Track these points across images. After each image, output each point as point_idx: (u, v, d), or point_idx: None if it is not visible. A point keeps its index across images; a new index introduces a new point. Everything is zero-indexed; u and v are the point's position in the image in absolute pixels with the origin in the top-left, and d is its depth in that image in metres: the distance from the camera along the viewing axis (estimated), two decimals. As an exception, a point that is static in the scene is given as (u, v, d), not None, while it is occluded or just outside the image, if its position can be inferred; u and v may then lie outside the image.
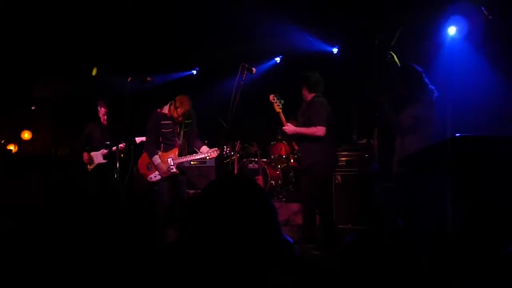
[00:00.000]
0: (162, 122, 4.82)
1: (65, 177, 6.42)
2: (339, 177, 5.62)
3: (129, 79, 4.53)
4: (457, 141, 2.56)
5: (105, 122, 5.74)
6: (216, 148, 4.72)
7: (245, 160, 6.15)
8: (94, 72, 6.08)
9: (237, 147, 5.95)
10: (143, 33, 5.99)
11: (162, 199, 4.85)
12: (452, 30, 5.72)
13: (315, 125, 4.46)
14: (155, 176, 4.83)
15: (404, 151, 3.74)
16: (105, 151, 5.62)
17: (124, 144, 5.53)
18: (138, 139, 5.80)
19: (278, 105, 4.53)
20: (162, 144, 4.86)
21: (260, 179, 5.91)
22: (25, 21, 5.74)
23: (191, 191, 6.12)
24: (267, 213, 1.06)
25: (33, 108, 5.65)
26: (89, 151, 5.69)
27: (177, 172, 4.81)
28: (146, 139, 4.93)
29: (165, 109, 4.89)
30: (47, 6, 5.41)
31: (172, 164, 4.77)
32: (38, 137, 7.71)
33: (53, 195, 6.10)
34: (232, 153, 4.81)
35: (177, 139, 4.85)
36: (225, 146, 4.70)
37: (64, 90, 6.30)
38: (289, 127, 4.49)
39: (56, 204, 5.89)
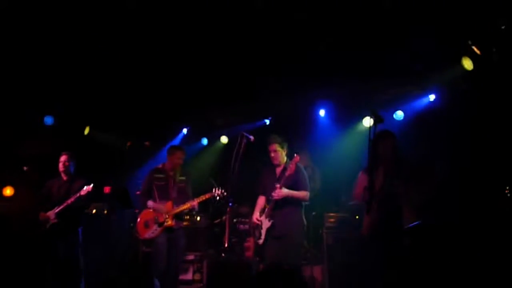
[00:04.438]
0: (155, 175, 5.04)
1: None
2: (331, 239, 5.69)
3: (128, 143, 4.61)
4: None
5: (63, 173, 5.18)
6: (208, 193, 4.87)
7: (235, 220, 6.15)
8: (86, 131, 6.10)
9: (228, 208, 5.97)
10: (138, 96, 6.14)
11: (156, 262, 4.80)
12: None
13: (303, 189, 4.54)
14: (152, 232, 4.86)
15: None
16: (58, 208, 5.01)
17: (90, 187, 4.93)
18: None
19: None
20: (157, 199, 4.98)
21: (251, 241, 5.89)
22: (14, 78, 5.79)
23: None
24: None
25: (25, 168, 5.48)
26: (45, 210, 5.10)
27: (174, 224, 4.85)
28: (139, 193, 5.11)
29: (160, 164, 5.16)
30: (47, 60, 5.49)
31: (167, 216, 4.80)
32: (19, 195, 7.50)
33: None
34: (225, 194, 4.87)
35: (171, 191, 4.93)
36: (215, 188, 4.85)
37: (53, 149, 6.24)
38: (281, 193, 4.40)
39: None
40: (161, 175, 5.04)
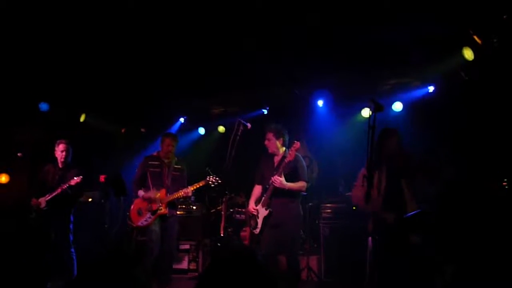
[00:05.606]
0: (149, 162, 5.00)
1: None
2: (327, 229, 5.66)
3: (123, 130, 4.55)
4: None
5: (62, 160, 5.18)
6: (202, 180, 4.84)
7: (231, 210, 6.11)
8: (82, 118, 6.02)
9: (224, 198, 5.93)
10: (135, 85, 6.07)
11: (150, 250, 4.77)
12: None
13: (301, 180, 4.48)
14: (145, 220, 4.80)
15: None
16: (49, 195, 5.05)
17: (80, 178, 4.96)
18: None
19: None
20: (151, 187, 4.92)
21: (247, 230, 5.86)
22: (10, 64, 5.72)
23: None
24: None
25: (19, 155, 5.43)
26: (37, 197, 5.12)
27: (167, 212, 4.81)
28: (133, 179, 5.06)
29: (155, 152, 5.14)
30: (40, 50, 5.41)
31: (161, 204, 4.75)
32: (15, 181, 7.44)
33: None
34: (219, 181, 4.86)
35: (165, 179, 4.88)
36: (209, 177, 4.82)
37: (48, 135, 6.17)
38: (280, 179, 4.32)
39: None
40: (155, 162, 4.99)
